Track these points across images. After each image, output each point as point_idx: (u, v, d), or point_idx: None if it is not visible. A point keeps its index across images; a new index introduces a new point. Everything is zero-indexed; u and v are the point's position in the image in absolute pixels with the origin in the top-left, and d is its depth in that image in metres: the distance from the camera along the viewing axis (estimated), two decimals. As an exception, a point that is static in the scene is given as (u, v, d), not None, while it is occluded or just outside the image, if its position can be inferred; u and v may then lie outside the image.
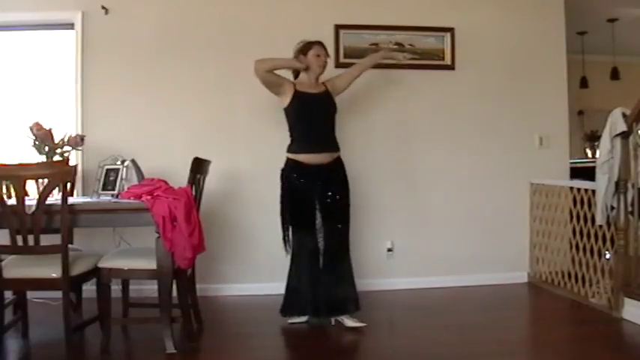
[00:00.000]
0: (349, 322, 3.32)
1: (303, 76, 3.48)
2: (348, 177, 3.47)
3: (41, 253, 2.78)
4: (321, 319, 3.37)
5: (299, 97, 3.37)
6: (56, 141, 3.32)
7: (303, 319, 3.41)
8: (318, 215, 3.34)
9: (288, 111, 3.42)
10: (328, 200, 3.34)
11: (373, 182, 4.27)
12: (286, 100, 3.39)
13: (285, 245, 3.44)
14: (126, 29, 4.13)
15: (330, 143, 3.43)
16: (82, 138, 3.46)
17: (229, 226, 4.17)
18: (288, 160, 3.41)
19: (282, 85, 3.39)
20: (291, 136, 3.45)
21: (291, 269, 3.46)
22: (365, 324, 3.31)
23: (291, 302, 3.41)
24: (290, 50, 4.23)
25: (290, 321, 3.43)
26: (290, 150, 3.42)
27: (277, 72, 3.39)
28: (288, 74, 3.52)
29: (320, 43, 3.47)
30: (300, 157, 3.37)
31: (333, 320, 3.36)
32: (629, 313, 3.38)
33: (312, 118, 3.40)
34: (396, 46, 3.19)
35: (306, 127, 3.40)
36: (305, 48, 3.45)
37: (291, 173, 3.39)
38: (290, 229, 3.42)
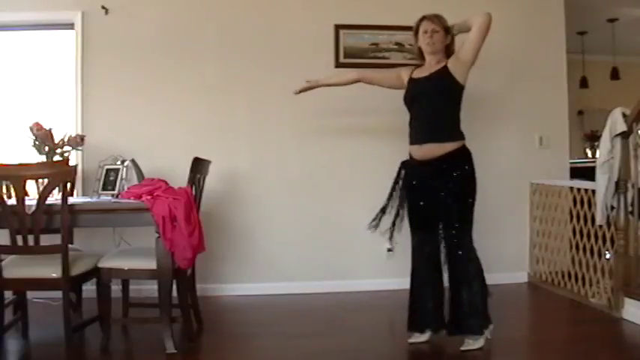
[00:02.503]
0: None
1: (428, 58, 3.06)
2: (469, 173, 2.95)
3: (41, 253, 2.78)
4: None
5: (409, 84, 3.07)
6: (56, 141, 3.32)
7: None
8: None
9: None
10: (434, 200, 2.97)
11: (373, 182, 4.26)
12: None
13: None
14: (126, 29, 4.13)
15: (433, 133, 2.95)
16: (82, 138, 3.47)
17: (229, 226, 4.17)
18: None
19: (398, 77, 3.14)
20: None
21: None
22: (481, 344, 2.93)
23: None
24: (289, 50, 4.27)
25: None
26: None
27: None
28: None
29: (427, 17, 3.01)
30: (410, 150, 3.05)
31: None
32: (629, 313, 3.39)
33: (413, 106, 3.06)
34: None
35: (411, 116, 3.07)
36: (415, 29, 3.06)
37: (402, 169, 3.10)
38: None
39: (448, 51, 3.05)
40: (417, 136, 3.00)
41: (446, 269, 3.01)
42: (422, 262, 3.08)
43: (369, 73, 3.39)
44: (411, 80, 3.07)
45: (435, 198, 2.95)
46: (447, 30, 3.04)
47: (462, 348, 2.91)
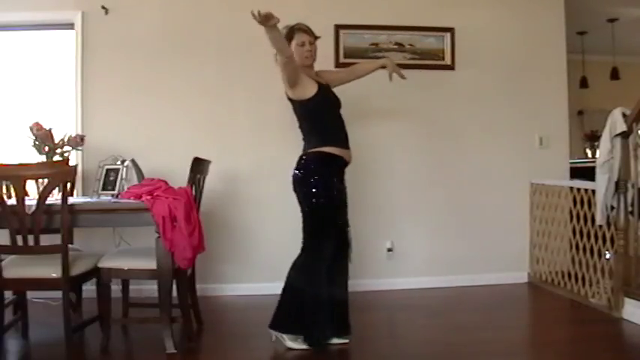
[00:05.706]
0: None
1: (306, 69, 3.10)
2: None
3: (41, 253, 2.78)
4: None
5: (322, 89, 3.05)
6: (56, 141, 3.32)
7: None
8: None
9: (315, 103, 3.02)
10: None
11: (373, 182, 4.27)
12: (307, 92, 3.01)
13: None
14: (126, 29, 4.13)
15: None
16: (82, 138, 3.47)
17: (229, 226, 4.17)
18: (322, 153, 2.99)
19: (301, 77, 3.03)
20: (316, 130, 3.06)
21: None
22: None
23: None
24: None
25: None
26: (325, 143, 2.99)
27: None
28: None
29: (302, 29, 3.05)
30: (337, 151, 3.01)
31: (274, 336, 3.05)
32: (629, 313, 3.39)
33: (332, 110, 3.11)
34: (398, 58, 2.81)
35: (331, 119, 3.09)
36: (288, 36, 3.01)
37: (332, 167, 3.02)
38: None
39: None
40: (345, 139, 3.08)
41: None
42: (325, 263, 3.00)
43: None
44: (323, 85, 3.09)
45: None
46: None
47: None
